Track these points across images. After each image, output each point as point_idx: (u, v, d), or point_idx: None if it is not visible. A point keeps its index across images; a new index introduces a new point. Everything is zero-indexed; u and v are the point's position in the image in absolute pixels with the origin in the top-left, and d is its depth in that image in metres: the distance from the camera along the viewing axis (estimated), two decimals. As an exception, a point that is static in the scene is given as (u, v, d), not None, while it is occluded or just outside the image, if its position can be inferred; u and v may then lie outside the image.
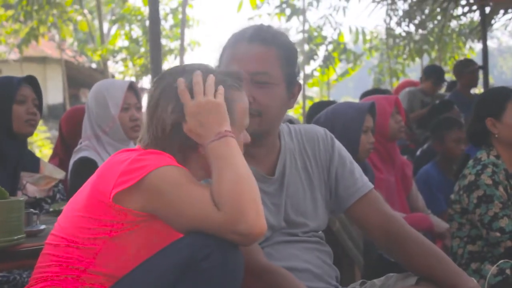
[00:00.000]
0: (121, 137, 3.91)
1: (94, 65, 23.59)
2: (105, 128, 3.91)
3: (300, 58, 13.86)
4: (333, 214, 2.69)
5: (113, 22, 18.24)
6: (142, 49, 16.72)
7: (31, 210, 2.79)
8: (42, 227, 2.74)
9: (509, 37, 58.87)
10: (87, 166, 3.78)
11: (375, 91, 7.16)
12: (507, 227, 3.47)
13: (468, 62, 8.36)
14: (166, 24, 17.62)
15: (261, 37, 2.39)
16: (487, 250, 3.60)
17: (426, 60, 15.97)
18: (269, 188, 2.45)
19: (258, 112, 2.36)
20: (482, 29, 10.06)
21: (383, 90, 7.52)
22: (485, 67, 9.46)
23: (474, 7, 10.72)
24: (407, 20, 12.32)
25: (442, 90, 9.18)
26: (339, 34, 14.44)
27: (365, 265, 3.76)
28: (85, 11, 17.08)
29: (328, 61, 14.31)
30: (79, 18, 15.85)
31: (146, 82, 18.73)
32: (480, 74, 8.80)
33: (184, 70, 2.16)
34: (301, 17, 14.17)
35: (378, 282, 2.49)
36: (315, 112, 4.70)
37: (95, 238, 2.02)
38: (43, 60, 21.97)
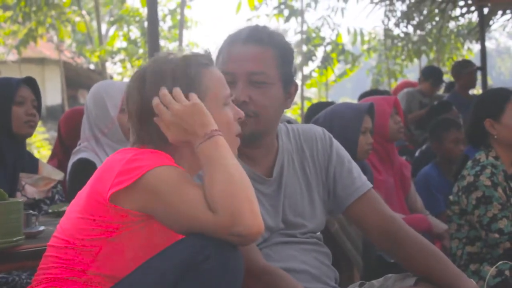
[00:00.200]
0: (120, 138, 3.91)
1: (92, 66, 23.58)
2: (104, 130, 3.91)
3: (298, 59, 13.90)
4: (332, 214, 2.69)
5: (111, 23, 18.23)
6: (141, 50, 16.70)
7: (30, 211, 2.78)
8: (41, 228, 2.73)
9: (507, 38, 58.93)
10: (86, 168, 3.77)
11: (373, 92, 7.17)
12: (506, 228, 3.48)
13: (466, 63, 8.38)
14: (164, 25, 17.62)
15: (257, 37, 2.40)
16: (486, 251, 3.61)
17: (424, 61, 15.98)
18: (267, 190, 2.45)
19: (254, 113, 2.36)
20: (480, 30, 10.07)
21: (382, 91, 7.53)
22: (483, 68, 9.47)
23: (472, 8, 10.74)
24: (405, 21, 12.33)
25: (441, 91, 9.19)
26: (337, 35, 14.45)
27: (364, 266, 3.76)
28: (83, 12, 17.07)
29: (326, 62, 14.31)
30: (77, 19, 15.84)
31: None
32: (479, 75, 8.80)
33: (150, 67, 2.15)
34: (299, 18, 14.19)
35: (377, 283, 2.49)
36: (314, 113, 4.71)
37: (94, 239, 2.02)
38: (42, 61, 21.95)
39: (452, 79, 9.21)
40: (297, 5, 14.11)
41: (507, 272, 3.38)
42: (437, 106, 7.27)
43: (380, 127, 4.35)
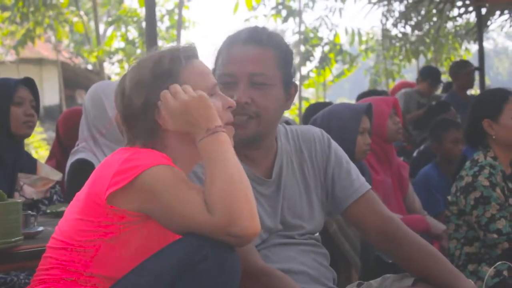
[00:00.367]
0: (118, 139, 3.91)
1: (90, 67, 23.57)
2: (102, 130, 3.91)
3: (296, 59, 13.89)
4: (330, 215, 2.69)
5: (109, 24, 18.22)
6: (138, 51, 16.69)
7: (29, 212, 2.78)
8: (40, 228, 2.73)
9: (505, 38, 58.96)
10: (84, 168, 3.78)
11: (371, 92, 7.18)
12: (504, 229, 3.48)
13: (464, 64, 8.39)
14: (162, 26, 17.63)
15: (257, 38, 2.39)
16: (484, 252, 3.61)
17: (422, 61, 15.98)
18: (266, 191, 2.45)
19: (256, 114, 2.36)
20: (478, 30, 10.07)
21: (380, 92, 7.54)
22: (481, 68, 9.47)
23: (470, 8, 10.73)
24: (403, 21, 12.33)
25: (438, 91, 9.19)
26: (335, 35, 14.45)
27: (362, 266, 3.76)
28: (81, 12, 17.06)
29: (324, 62, 14.31)
30: (75, 19, 15.83)
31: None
32: (476, 75, 8.81)
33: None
34: (297, 19, 14.18)
35: (375, 283, 2.49)
36: (312, 114, 4.71)
37: (92, 241, 2.02)
38: (39, 61, 21.95)
39: (449, 79, 9.21)
40: (295, 5, 14.13)
41: (505, 273, 3.39)
42: (435, 106, 7.27)
43: (378, 127, 4.35)
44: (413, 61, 15.19)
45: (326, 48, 14.45)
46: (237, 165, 1.98)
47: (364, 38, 15.55)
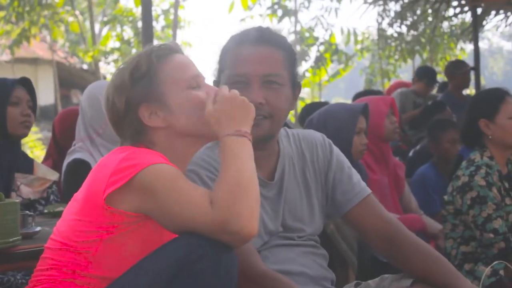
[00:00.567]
0: (114, 139, 3.87)
1: (85, 66, 23.54)
2: (99, 130, 3.91)
3: (292, 59, 13.85)
4: (330, 218, 2.70)
5: (104, 24, 18.21)
6: (134, 50, 16.68)
7: (26, 212, 2.78)
8: (38, 229, 2.73)
9: (500, 38, 59.07)
10: (80, 168, 3.77)
11: (368, 92, 7.17)
12: (500, 228, 3.49)
13: (460, 64, 8.38)
14: (157, 25, 17.61)
15: (266, 39, 2.39)
16: (481, 251, 3.62)
17: (417, 61, 16.00)
18: (269, 193, 2.45)
19: (270, 114, 2.36)
20: (473, 30, 10.08)
21: (376, 91, 7.54)
22: (476, 68, 9.49)
23: (466, 8, 10.75)
24: (399, 21, 12.35)
25: (434, 91, 9.20)
26: (331, 35, 14.46)
27: (359, 266, 3.76)
28: (77, 12, 17.04)
29: (319, 62, 14.31)
30: (71, 19, 15.81)
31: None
32: (472, 75, 8.82)
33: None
34: (292, 18, 14.19)
35: (373, 283, 2.49)
36: (307, 114, 4.71)
37: (90, 241, 2.02)
38: (35, 61, 21.89)
39: (445, 79, 9.22)
40: (290, 5, 14.13)
41: (501, 272, 3.40)
42: (430, 106, 7.27)
43: (376, 127, 4.35)
44: (409, 61, 15.21)
45: (322, 48, 14.45)
46: (252, 171, 2.00)
47: (359, 38, 15.55)
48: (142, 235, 2.03)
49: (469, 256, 3.65)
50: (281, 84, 2.38)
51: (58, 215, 3.33)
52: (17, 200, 2.56)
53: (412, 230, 2.64)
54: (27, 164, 3.80)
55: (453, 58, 14.62)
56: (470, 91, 11.02)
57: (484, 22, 10.86)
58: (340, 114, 3.98)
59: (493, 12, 10.58)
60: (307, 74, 14.83)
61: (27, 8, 13.57)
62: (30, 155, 3.96)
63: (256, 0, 13.71)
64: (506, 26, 10.97)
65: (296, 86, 2.48)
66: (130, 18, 16.66)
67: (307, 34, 14.46)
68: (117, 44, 17.43)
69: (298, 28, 14.33)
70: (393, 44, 14.13)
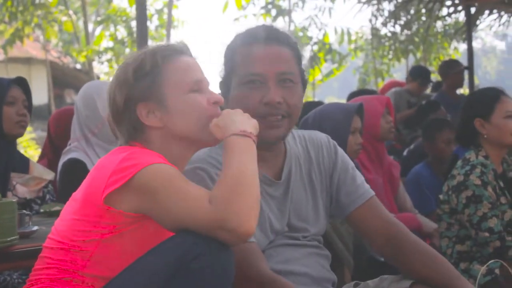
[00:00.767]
0: (109, 139, 3.92)
1: (78, 66, 23.50)
2: (94, 130, 3.91)
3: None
4: (333, 219, 2.70)
5: (98, 23, 18.17)
6: (127, 50, 16.66)
7: (24, 211, 2.78)
8: (35, 228, 2.73)
9: (493, 37, 59.18)
10: (76, 167, 3.78)
11: (363, 91, 7.17)
12: (495, 227, 3.50)
13: (454, 63, 8.40)
14: (151, 25, 17.59)
15: (275, 37, 2.39)
16: (476, 250, 3.63)
17: (411, 60, 16.02)
18: (275, 192, 2.45)
19: (287, 113, 2.36)
20: (467, 30, 10.10)
21: (371, 91, 7.53)
22: (470, 67, 9.50)
23: (459, 8, 10.76)
24: (392, 20, 12.36)
25: (428, 91, 9.22)
26: (324, 34, 14.47)
27: (355, 266, 3.77)
28: (70, 12, 17.01)
29: (313, 61, 14.32)
30: (64, 18, 15.78)
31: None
32: (466, 74, 8.84)
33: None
34: (286, 18, 14.20)
35: (372, 283, 2.49)
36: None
37: (88, 241, 2.03)
38: (28, 61, 21.83)
39: (439, 78, 9.23)
40: (284, 4, 14.15)
41: (497, 271, 3.41)
42: (425, 105, 7.28)
43: (371, 126, 4.36)
44: (402, 60, 15.23)
45: (315, 48, 14.46)
46: (254, 171, 2.00)
47: (353, 38, 15.57)
48: (141, 235, 2.04)
49: (464, 255, 3.66)
50: (295, 82, 2.39)
51: (54, 214, 3.34)
52: (15, 200, 2.56)
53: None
54: (23, 164, 3.80)
55: (447, 58, 14.66)
56: (463, 90, 11.03)
57: (478, 22, 10.88)
58: (335, 114, 3.99)
59: (487, 12, 10.60)
60: (301, 74, 14.79)
61: (20, 8, 13.54)
62: (24, 154, 3.95)
63: (250, 0, 13.72)
64: (499, 25, 11.00)
65: (304, 83, 2.48)
66: (124, 18, 16.62)
67: (301, 34, 14.47)
68: (110, 44, 17.40)
69: (292, 27, 14.34)
70: (386, 43, 14.14)
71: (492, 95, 3.75)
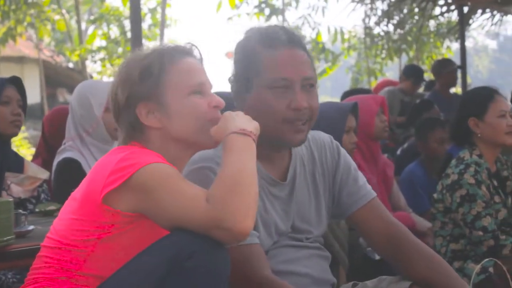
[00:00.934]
0: (104, 138, 3.92)
1: (71, 65, 23.45)
2: (89, 129, 3.91)
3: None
4: (334, 219, 2.71)
5: (91, 22, 18.14)
6: (120, 49, 16.63)
7: (20, 211, 2.78)
8: (31, 227, 2.74)
9: (485, 36, 59.30)
10: (71, 167, 3.79)
11: (357, 91, 7.18)
12: (489, 226, 3.51)
13: (447, 63, 8.42)
14: (144, 24, 17.57)
15: (296, 41, 2.37)
16: (470, 249, 3.64)
17: (403, 60, 16.04)
18: (280, 193, 2.45)
19: (310, 117, 2.35)
20: (460, 29, 10.13)
21: (365, 90, 7.55)
22: (463, 66, 9.53)
23: (452, 7, 10.79)
24: (385, 20, 12.37)
25: (421, 90, 9.24)
26: (318, 33, 14.47)
27: (350, 265, 3.78)
28: (63, 11, 16.98)
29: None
30: (57, 17, 15.75)
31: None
32: (458, 73, 8.86)
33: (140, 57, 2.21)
34: (280, 17, 14.19)
35: (370, 284, 2.50)
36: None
37: (86, 240, 2.03)
38: (21, 59, 21.77)
39: (432, 77, 9.25)
40: (278, 3, 14.13)
41: (491, 269, 3.42)
42: (418, 105, 7.29)
43: (366, 125, 4.37)
44: (395, 59, 15.24)
45: (309, 47, 14.40)
46: (252, 170, 2.00)
47: (346, 37, 15.57)
48: (139, 234, 2.04)
49: (458, 253, 3.68)
50: (315, 85, 2.38)
51: (49, 213, 3.35)
52: (11, 199, 2.56)
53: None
54: (18, 163, 3.79)
55: (439, 57, 14.68)
56: (456, 89, 11.06)
57: (471, 21, 10.91)
58: (329, 113, 3.99)
59: (479, 11, 10.63)
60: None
61: (13, 7, 13.52)
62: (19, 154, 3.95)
63: (243, -1, 13.73)
64: (492, 25, 11.03)
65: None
66: (117, 17, 16.60)
67: (294, 33, 14.44)
68: (103, 43, 17.38)
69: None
70: (379, 42, 14.16)
71: (486, 95, 3.76)
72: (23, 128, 16.28)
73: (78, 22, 16.69)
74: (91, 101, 3.90)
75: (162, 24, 15.30)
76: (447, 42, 15.46)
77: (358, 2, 11.08)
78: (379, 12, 12.25)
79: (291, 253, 2.45)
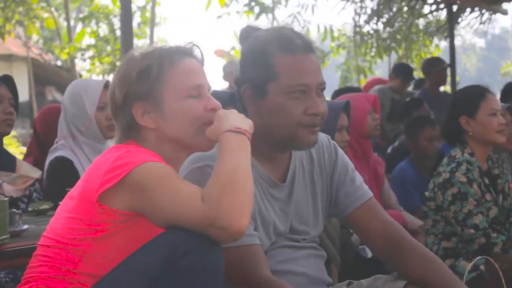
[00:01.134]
0: (97, 137, 3.92)
1: (59, 63, 23.39)
2: (81, 128, 3.91)
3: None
4: (330, 218, 2.72)
5: (80, 20, 18.10)
6: (109, 47, 16.60)
7: (14, 210, 2.78)
8: (25, 227, 2.73)
9: (473, 35, 59.51)
10: (63, 165, 3.79)
11: (347, 89, 7.20)
12: (481, 224, 3.53)
13: (437, 61, 8.43)
14: (133, 22, 17.54)
15: (310, 46, 2.38)
16: (462, 247, 3.66)
17: (392, 58, 16.08)
18: (279, 194, 2.46)
19: (321, 122, 2.36)
20: (449, 27, 10.15)
21: (355, 88, 7.56)
22: (452, 65, 9.55)
23: (442, 6, 10.82)
24: (375, 18, 12.40)
25: (410, 88, 9.26)
26: (307, 32, 14.48)
27: (342, 262, 3.80)
28: (52, 8, 16.93)
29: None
30: (46, 15, 15.71)
31: (109, 80, 18.56)
32: (448, 71, 8.89)
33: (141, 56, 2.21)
34: (270, 15, 14.21)
35: (366, 282, 2.50)
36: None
37: (82, 239, 2.03)
38: (9, 57, 21.70)
39: (421, 75, 9.27)
40: (267, 2, 14.15)
41: (482, 267, 3.44)
42: (408, 103, 7.31)
43: (358, 124, 4.38)
44: (384, 57, 15.28)
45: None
46: (247, 168, 2.01)
47: (335, 35, 15.60)
48: (134, 233, 2.04)
49: (450, 251, 3.69)
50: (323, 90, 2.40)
51: (42, 213, 3.34)
52: (6, 199, 2.56)
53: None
54: (10, 162, 3.78)
55: (428, 55, 14.73)
56: (445, 88, 11.10)
57: (460, 19, 10.95)
58: (321, 111, 4.00)
59: (468, 9, 10.66)
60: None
61: (1, 5, 13.50)
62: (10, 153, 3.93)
63: (232, -3, 13.72)
64: (481, 23, 11.06)
65: None
66: (107, 15, 16.57)
67: (283, 31, 14.43)
68: (92, 41, 17.35)
69: (275, 25, 14.34)
70: (369, 41, 14.19)
71: (478, 93, 3.78)
72: (11, 126, 16.24)
73: (67, 20, 16.64)
74: (84, 100, 3.89)
75: (152, 22, 15.28)
76: (435, 41, 15.51)
77: (347, 1, 11.10)
78: (369, 11, 12.27)
79: (288, 253, 2.45)
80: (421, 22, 14.51)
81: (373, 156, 4.75)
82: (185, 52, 2.23)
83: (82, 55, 17.31)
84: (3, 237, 2.46)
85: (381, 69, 23.02)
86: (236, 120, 2.11)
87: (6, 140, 13.92)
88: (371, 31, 13.50)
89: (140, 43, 17.76)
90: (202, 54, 2.30)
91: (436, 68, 8.11)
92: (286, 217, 2.47)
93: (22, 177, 3.71)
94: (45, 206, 3.36)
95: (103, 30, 16.95)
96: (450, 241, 3.70)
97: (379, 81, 9.73)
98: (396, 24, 13.28)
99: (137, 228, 2.04)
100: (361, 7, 12.14)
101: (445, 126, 3.90)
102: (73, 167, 3.79)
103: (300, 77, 2.31)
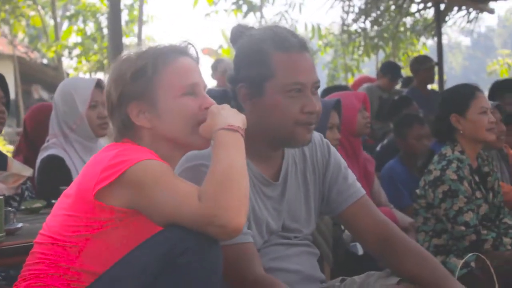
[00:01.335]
0: (88, 135, 3.91)
1: (45, 61, 23.29)
2: (72, 126, 3.90)
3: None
4: (323, 216, 2.73)
5: (67, 18, 18.04)
6: (96, 45, 16.55)
7: (9, 208, 2.77)
8: (20, 225, 2.73)
9: (459, 33, 59.67)
10: (54, 164, 3.78)
11: (336, 88, 7.21)
12: (471, 221, 3.55)
13: (425, 59, 8.46)
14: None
15: (305, 45, 2.39)
16: (452, 244, 3.68)
17: (380, 56, 16.11)
18: (272, 193, 2.47)
19: (315, 121, 2.38)
20: (437, 26, 10.19)
21: (344, 87, 7.57)
22: (439, 63, 9.59)
23: (429, 4, 10.86)
24: (363, 17, 12.42)
25: (398, 86, 9.29)
26: (294, 30, 14.46)
27: (334, 259, 3.81)
28: (38, 6, 16.87)
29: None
30: (32, 13, 15.65)
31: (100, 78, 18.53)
32: (435, 70, 8.92)
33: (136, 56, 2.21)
34: (257, 14, 14.21)
35: (358, 279, 2.52)
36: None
37: (79, 236, 2.04)
38: (-5, 56, 21.64)
39: (408, 74, 9.30)
40: (255, 0, 14.14)
41: (472, 264, 3.47)
42: (397, 101, 7.32)
43: (348, 122, 4.39)
44: (371, 55, 15.31)
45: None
46: (242, 165, 2.01)
47: (323, 33, 15.61)
48: (132, 231, 2.05)
49: (441, 248, 3.71)
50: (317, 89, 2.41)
51: (35, 211, 3.34)
52: (1, 197, 2.55)
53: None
54: (1, 161, 3.77)
55: (415, 54, 14.76)
56: (432, 86, 11.14)
57: (447, 18, 10.98)
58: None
59: (456, 8, 10.70)
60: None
61: (-13, 3, 13.42)
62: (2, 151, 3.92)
63: (221, -5, 13.71)
64: (468, 22, 11.11)
65: None
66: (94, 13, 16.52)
67: (271, 30, 14.43)
68: (79, 39, 17.28)
69: (263, 23, 14.34)
70: (356, 39, 14.21)
71: (468, 92, 3.80)
72: (-3, 125, 16.15)
73: (54, 18, 16.58)
74: (75, 98, 3.88)
75: (140, 21, 15.25)
76: (422, 39, 15.56)
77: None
78: (356, 9, 12.30)
79: (281, 251, 2.47)
80: (408, 20, 14.54)
81: (363, 154, 4.76)
82: (180, 51, 2.24)
83: (69, 53, 17.25)
84: (-1, 235, 2.46)
85: (369, 67, 23.07)
86: (229, 116, 2.12)
87: (-7, 138, 13.68)
88: (359, 30, 13.53)
89: (127, 41, 17.75)
90: (197, 53, 2.31)
91: (424, 66, 8.14)
92: (278, 216, 2.48)
93: (13, 176, 3.70)
94: (38, 205, 3.36)
95: (90, 28, 16.89)
96: (441, 238, 3.73)
97: (367, 79, 9.75)
98: (384, 23, 13.31)
99: (134, 225, 2.05)
100: (349, 6, 12.17)
101: (436, 124, 3.92)
102: (64, 165, 3.78)
103: (296, 75, 2.33)
